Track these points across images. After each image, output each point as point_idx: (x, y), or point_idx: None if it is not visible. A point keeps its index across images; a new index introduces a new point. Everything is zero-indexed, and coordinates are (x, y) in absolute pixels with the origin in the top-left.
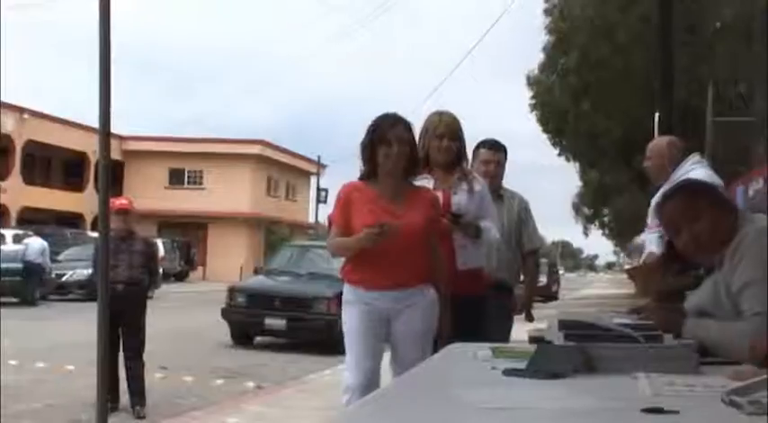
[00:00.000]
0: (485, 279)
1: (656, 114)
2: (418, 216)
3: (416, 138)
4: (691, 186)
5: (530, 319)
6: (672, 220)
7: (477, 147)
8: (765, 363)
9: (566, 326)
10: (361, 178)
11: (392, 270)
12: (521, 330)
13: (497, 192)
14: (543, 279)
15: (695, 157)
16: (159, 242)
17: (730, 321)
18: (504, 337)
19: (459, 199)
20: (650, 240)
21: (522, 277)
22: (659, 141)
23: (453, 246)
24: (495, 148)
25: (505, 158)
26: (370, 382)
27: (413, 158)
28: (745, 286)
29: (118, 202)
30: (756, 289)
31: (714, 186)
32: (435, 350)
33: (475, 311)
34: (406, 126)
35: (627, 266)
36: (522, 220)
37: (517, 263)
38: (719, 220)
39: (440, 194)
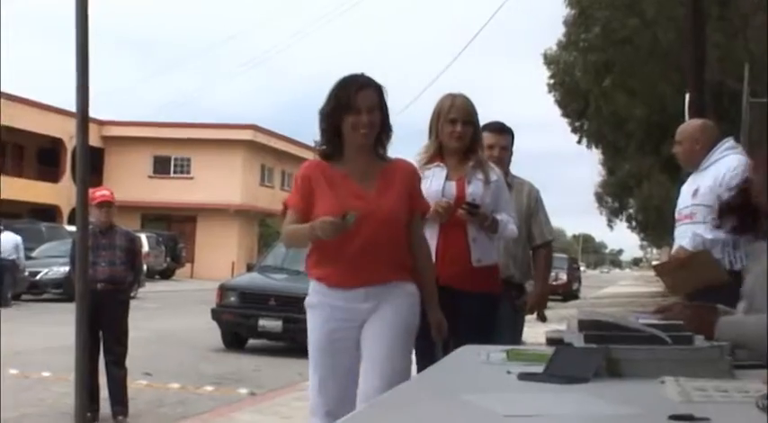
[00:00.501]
0: (499, 276)
1: (687, 94)
2: (393, 196)
3: (388, 105)
4: None
5: (542, 319)
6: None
7: (481, 130)
8: None
9: (586, 326)
10: (324, 156)
11: (363, 264)
12: (534, 332)
13: (504, 179)
14: (563, 276)
15: (729, 142)
16: (143, 237)
17: None
18: (516, 338)
19: (474, 189)
20: (680, 233)
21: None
22: (690, 124)
23: (467, 240)
24: (500, 131)
25: (512, 143)
26: (341, 407)
27: (386, 128)
28: None
29: (98, 194)
30: None
31: None
32: (446, 352)
33: (489, 310)
34: (377, 89)
35: (655, 262)
36: (532, 210)
37: (527, 257)
38: None
39: (453, 185)
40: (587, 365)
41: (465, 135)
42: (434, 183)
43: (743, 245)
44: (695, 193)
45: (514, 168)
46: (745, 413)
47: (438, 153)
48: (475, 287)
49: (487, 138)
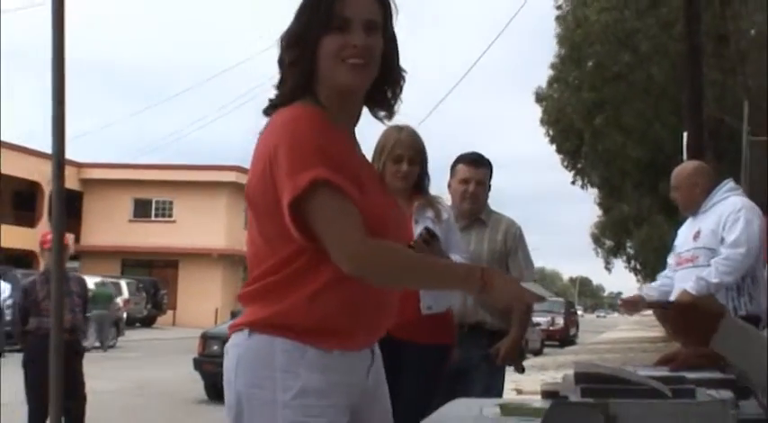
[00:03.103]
0: (452, 323)
1: (684, 133)
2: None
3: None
4: None
5: (519, 369)
6: None
7: (456, 162)
8: None
9: (583, 378)
10: (306, 99)
11: (387, 311)
12: (532, 380)
13: (477, 215)
14: (560, 321)
15: (729, 184)
16: (123, 283)
17: None
18: (492, 391)
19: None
20: (681, 277)
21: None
22: (685, 168)
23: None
24: (476, 164)
25: (490, 176)
26: None
27: (393, 71)
28: None
29: (48, 237)
30: None
31: None
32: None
33: (439, 363)
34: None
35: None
36: (509, 249)
37: None
38: None
39: None
40: (585, 421)
41: (410, 175)
42: None
43: (747, 290)
44: (697, 235)
45: (507, 207)
46: None
47: None
48: (423, 338)
49: (462, 171)
